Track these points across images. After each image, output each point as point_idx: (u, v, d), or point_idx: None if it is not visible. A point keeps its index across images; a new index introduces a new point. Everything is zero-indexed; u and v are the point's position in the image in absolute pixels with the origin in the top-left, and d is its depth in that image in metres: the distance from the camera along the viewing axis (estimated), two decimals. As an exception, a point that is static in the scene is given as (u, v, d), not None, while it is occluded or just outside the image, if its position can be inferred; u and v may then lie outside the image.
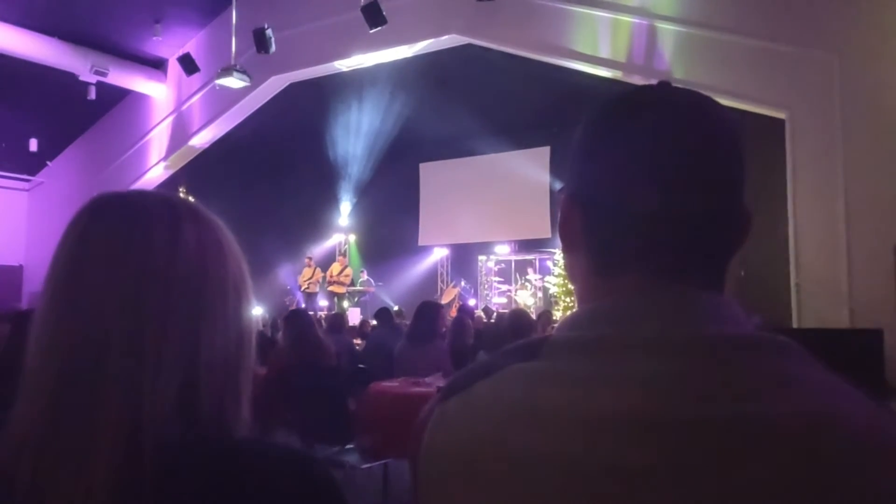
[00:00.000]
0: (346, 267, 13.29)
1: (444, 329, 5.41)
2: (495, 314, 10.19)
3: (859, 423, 0.51)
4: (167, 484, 0.60)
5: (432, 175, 14.65)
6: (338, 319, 7.41)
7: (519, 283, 13.08)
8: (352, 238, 15.41)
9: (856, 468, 0.48)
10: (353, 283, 13.49)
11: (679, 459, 0.50)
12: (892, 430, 0.51)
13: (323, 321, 8.62)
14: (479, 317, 10.31)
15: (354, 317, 11.77)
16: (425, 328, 4.99)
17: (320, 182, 14.63)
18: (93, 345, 0.63)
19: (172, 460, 0.61)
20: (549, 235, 12.62)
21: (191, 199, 0.78)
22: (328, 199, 15.11)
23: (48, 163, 14.71)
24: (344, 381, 4.64)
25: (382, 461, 4.25)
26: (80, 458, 0.60)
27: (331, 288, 13.05)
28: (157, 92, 13.00)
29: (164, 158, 12.89)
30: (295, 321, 4.88)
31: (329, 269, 13.14)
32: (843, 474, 0.48)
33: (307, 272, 13.01)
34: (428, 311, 5.15)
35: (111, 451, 0.60)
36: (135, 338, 0.64)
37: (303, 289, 13.07)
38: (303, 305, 12.56)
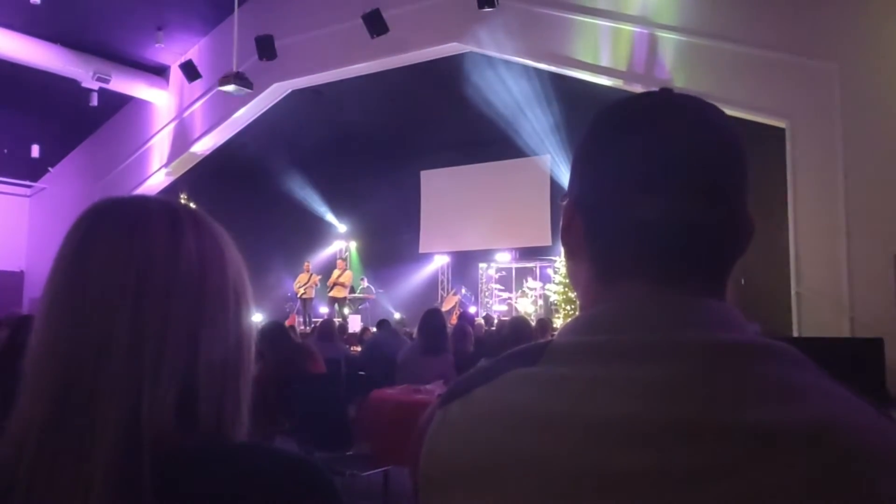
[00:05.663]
0: (345, 270, 13.30)
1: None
2: (496, 321, 10.18)
3: (860, 429, 0.50)
4: (166, 487, 0.60)
5: (433, 182, 14.67)
6: (329, 327, 6.50)
7: (520, 290, 13.07)
8: (352, 245, 15.42)
9: (856, 474, 0.48)
10: (353, 290, 13.48)
11: (680, 465, 0.50)
12: (892, 436, 0.51)
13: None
14: (480, 324, 10.30)
15: (355, 324, 11.76)
16: (436, 338, 4.93)
17: (321, 189, 14.64)
18: (92, 349, 0.63)
19: (171, 464, 0.62)
20: (549, 243, 12.62)
21: (192, 205, 0.78)
22: (329, 206, 15.13)
23: (50, 169, 14.73)
24: (342, 387, 4.62)
25: (383, 468, 4.24)
26: (79, 460, 0.60)
27: (331, 293, 13.04)
28: (158, 99, 13.03)
29: (166, 165, 12.90)
30: (264, 335, 4.63)
31: (332, 274, 13.16)
32: (844, 481, 0.48)
33: (302, 277, 13.02)
34: (437, 320, 5.10)
35: (110, 453, 0.60)
36: (134, 342, 0.64)
37: (298, 294, 13.06)
38: (298, 312, 12.57)
